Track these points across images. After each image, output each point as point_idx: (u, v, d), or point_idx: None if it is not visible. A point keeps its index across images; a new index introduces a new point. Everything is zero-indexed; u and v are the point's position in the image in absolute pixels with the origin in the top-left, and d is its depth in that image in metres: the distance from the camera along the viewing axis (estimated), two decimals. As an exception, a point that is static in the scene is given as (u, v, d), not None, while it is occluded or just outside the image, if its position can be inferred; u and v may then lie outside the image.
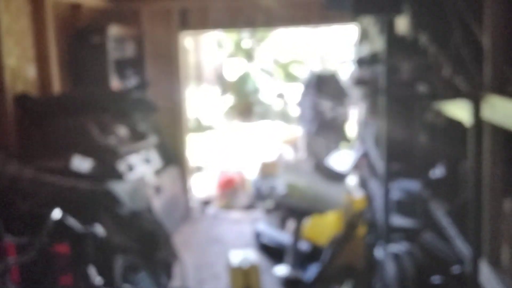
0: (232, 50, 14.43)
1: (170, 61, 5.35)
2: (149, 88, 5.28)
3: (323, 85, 4.66)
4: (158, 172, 4.56)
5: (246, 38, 14.44)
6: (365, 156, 3.82)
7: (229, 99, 12.98)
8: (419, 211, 2.46)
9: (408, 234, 2.51)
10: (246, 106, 13.74)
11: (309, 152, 4.83)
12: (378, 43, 3.09)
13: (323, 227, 3.92)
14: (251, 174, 6.29)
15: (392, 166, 2.59)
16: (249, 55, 14.53)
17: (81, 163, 3.62)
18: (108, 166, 3.71)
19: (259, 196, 6.03)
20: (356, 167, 3.82)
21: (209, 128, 11.88)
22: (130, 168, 3.84)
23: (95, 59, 4.50)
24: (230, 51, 14.54)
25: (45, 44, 4.23)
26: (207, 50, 15.45)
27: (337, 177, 3.68)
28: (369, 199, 3.73)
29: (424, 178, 2.44)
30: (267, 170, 6.05)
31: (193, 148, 9.35)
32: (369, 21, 3.54)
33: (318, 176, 3.70)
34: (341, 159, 3.97)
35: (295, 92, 15.65)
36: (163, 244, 3.16)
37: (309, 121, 4.69)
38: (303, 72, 5.39)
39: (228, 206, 5.67)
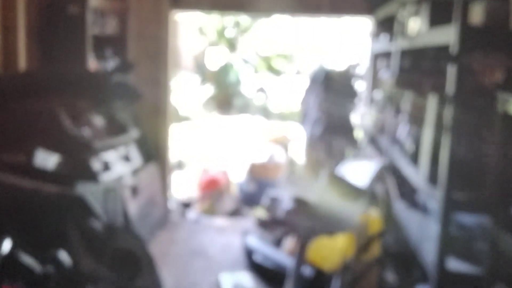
0: (214, 38, 13.72)
1: (157, 44, 4.68)
2: (131, 73, 4.59)
3: (332, 83, 4.07)
4: (136, 171, 3.91)
5: (229, 27, 13.76)
6: (387, 169, 3.25)
7: (208, 90, 12.30)
8: (488, 255, 1.90)
9: (469, 284, 1.95)
10: (225, 98, 13.08)
11: (312, 158, 4.23)
12: (426, 37, 2.52)
13: (330, 250, 3.35)
14: (236, 175, 5.67)
15: (452, 195, 2.02)
16: (231, 45, 13.85)
17: (47, 159, 2.95)
18: (79, 164, 3.05)
19: (246, 200, 5.43)
20: (377, 181, 3.26)
21: (186, 119, 11.19)
22: (106, 166, 3.18)
23: (70, 33, 3.81)
24: (211, 39, 13.82)
25: (11, 11, 3.52)
26: (186, 36, 14.70)
27: (354, 193, 3.10)
28: (391, 222, 3.18)
29: (498, 213, 1.88)
30: (256, 173, 5.45)
31: (172, 140, 8.72)
32: (409, 10, 2.96)
33: (331, 190, 3.12)
34: (355, 170, 3.39)
35: (277, 86, 15.09)
36: (145, 268, 2.52)
37: (313, 123, 4.10)
38: (310, 67, 4.72)
39: (211, 210, 5.04)
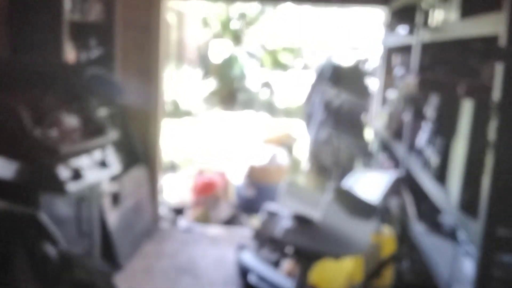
0: (219, 30, 13.24)
1: (148, 33, 4.22)
2: (116, 64, 4.15)
3: (341, 79, 3.60)
4: (118, 176, 3.47)
5: (234, 19, 13.27)
6: (404, 182, 2.79)
7: (212, 84, 11.83)
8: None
9: None
10: (229, 93, 12.62)
11: (316, 165, 3.77)
12: (461, 28, 2.04)
13: (336, 274, 2.90)
14: (235, 177, 5.22)
15: (497, 231, 1.56)
16: (236, 37, 13.37)
17: (3, 166, 2.52)
18: (43, 172, 2.61)
19: (244, 207, 4.98)
20: (391, 196, 2.80)
21: (187, 113, 10.74)
22: (77, 174, 2.73)
23: (45, 18, 3.35)
24: (216, 31, 13.35)
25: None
26: (191, 28, 14.22)
27: (364, 210, 2.65)
28: (407, 245, 2.72)
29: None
30: (256, 176, 5.00)
31: (167, 137, 8.26)
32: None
33: (338, 206, 2.66)
34: (365, 182, 2.93)
35: (283, 81, 14.60)
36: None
37: (319, 125, 3.63)
38: (317, 60, 4.24)
39: (205, 218, 4.59)
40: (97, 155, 2.96)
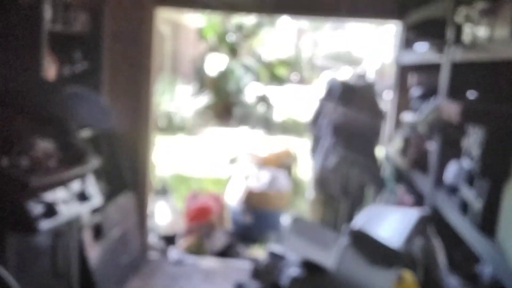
0: (215, 43, 12.91)
1: (139, 46, 3.85)
2: (103, 79, 3.77)
3: (351, 99, 3.24)
4: (101, 208, 3.07)
5: (231, 31, 12.95)
6: (430, 222, 2.42)
7: (207, 97, 11.47)
8: None
9: None
10: (225, 107, 12.26)
11: (323, 194, 3.40)
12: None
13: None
14: (231, 201, 4.83)
15: None
16: (233, 50, 13.04)
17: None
18: (11, 209, 2.22)
19: (241, 235, 4.59)
20: (415, 238, 2.42)
21: (181, 129, 10.36)
22: (51, 210, 2.34)
23: (21, 28, 2.97)
24: (212, 44, 13.01)
25: None
26: (186, 40, 13.88)
27: (386, 256, 2.27)
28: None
29: None
30: (254, 201, 4.61)
31: (160, 155, 7.86)
32: (474, 9, 2.13)
33: (354, 252, 2.29)
34: (383, 220, 2.55)
35: (280, 95, 14.26)
36: None
37: (326, 151, 3.26)
38: (325, 78, 3.85)
39: (198, 248, 4.19)
40: (75, 186, 2.57)
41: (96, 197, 2.69)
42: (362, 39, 26.45)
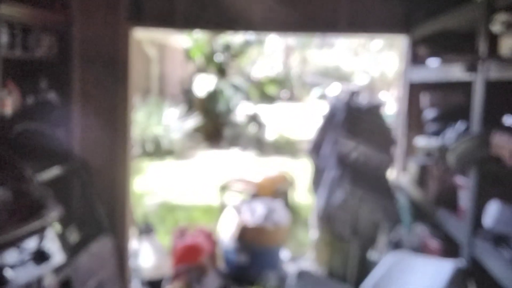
0: (203, 63, 12.52)
1: (114, 70, 3.40)
2: (75, 108, 3.33)
3: (358, 123, 2.81)
4: (73, 256, 2.60)
5: (218, 51, 12.57)
6: (468, 277, 1.97)
7: (196, 119, 11.03)
8: None
9: None
10: (215, 128, 11.82)
11: (329, 234, 2.94)
12: None
13: None
14: (223, 237, 4.36)
15: None
16: (221, 70, 12.65)
17: None
18: None
19: (235, 276, 4.11)
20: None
21: (169, 152, 9.89)
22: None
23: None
24: (200, 64, 12.63)
25: None
26: (173, 61, 13.49)
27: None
28: None
29: None
30: (249, 238, 4.14)
31: (147, 183, 7.38)
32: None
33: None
34: (405, 271, 2.11)
35: (271, 114, 13.86)
36: None
37: (331, 183, 2.82)
38: (325, 99, 3.38)
39: (188, 295, 3.71)
40: (32, 244, 2.10)
41: (58, 255, 2.22)
42: (350, 54, 26.30)
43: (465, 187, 2.10)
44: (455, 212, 2.25)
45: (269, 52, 18.92)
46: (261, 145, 11.37)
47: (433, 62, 2.79)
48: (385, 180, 2.84)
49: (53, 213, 2.20)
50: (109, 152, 3.41)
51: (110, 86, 3.38)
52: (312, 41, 31.42)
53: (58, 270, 2.36)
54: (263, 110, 12.78)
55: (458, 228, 2.15)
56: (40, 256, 2.11)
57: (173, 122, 10.45)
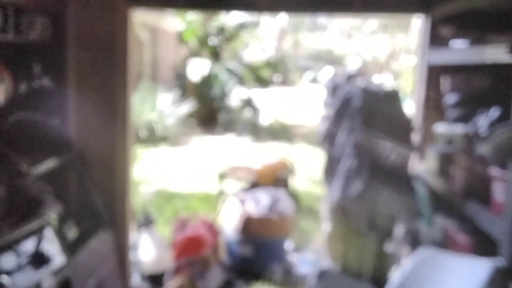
0: (196, 47, 12.25)
1: (112, 53, 3.19)
2: (70, 95, 3.12)
3: (375, 111, 2.64)
4: (69, 260, 2.41)
5: (212, 35, 12.29)
6: (508, 276, 1.81)
7: (190, 104, 10.79)
8: None
9: None
10: (209, 113, 11.60)
11: (344, 227, 2.78)
12: None
13: None
14: (225, 229, 4.19)
15: None
16: (215, 54, 12.39)
17: None
18: None
19: (239, 269, 3.95)
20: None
21: (163, 139, 9.68)
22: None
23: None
24: (193, 48, 12.36)
25: None
26: (166, 45, 13.20)
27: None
28: None
29: None
30: (253, 229, 3.98)
31: (142, 171, 7.16)
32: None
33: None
34: (436, 270, 1.95)
35: (266, 97, 13.64)
36: None
37: (346, 174, 2.65)
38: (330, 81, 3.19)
39: (191, 290, 3.55)
40: (29, 246, 1.92)
41: (57, 256, 2.03)
42: (343, 37, 26.05)
43: (503, 180, 1.93)
44: (488, 205, 2.09)
45: (263, 35, 18.65)
46: (256, 130, 11.18)
47: (458, 43, 2.61)
48: (404, 171, 2.68)
49: (51, 211, 2.01)
50: (108, 141, 3.21)
51: (108, 71, 3.17)
52: (304, 24, 31.13)
53: (57, 272, 2.18)
54: (257, 95, 12.57)
55: (494, 224, 1.99)
56: (39, 259, 1.93)
57: (167, 107, 10.22)
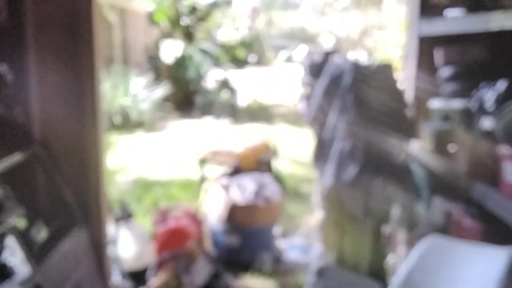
0: (168, 27, 11.86)
1: (77, 35, 2.89)
2: (31, 82, 2.84)
3: (368, 87, 2.43)
4: (39, 265, 2.17)
5: (184, 14, 11.90)
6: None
7: (165, 88, 10.47)
8: None
9: None
10: (185, 96, 11.29)
11: (337, 214, 2.59)
12: None
13: None
14: (210, 217, 3.98)
15: None
16: (188, 34, 12.02)
17: None
18: None
19: (226, 260, 3.75)
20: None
21: (139, 125, 9.37)
22: None
23: None
24: (165, 29, 11.96)
25: None
26: (136, 27, 12.77)
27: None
28: None
29: None
30: (239, 218, 3.77)
31: (118, 159, 6.86)
32: None
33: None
34: (450, 259, 1.78)
35: (242, 78, 13.36)
36: None
37: (340, 158, 2.46)
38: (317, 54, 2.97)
39: (176, 286, 3.34)
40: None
41: (23, 266, 1.79)
42: (316, 15, 25.80)
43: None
44: (498, 187, 1.91)
45: (236, 15, 18.27)
46: (234, 112, 10.94)
47: (453, 12, 2.41)
48: (401, 151, 2.49)
49: (13, 216, 1.76)
50: (76, 130, 2.93)
51: (72, 54, 2.88)
52: (276, 2, 30.68)
53: (24, 283, 1.93)
54: (233, 75, 12.29)
55: (506, 207, 1.81)
56: (1, 273, 1.68)
57: (140, 92, 9.89)
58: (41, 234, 2.58)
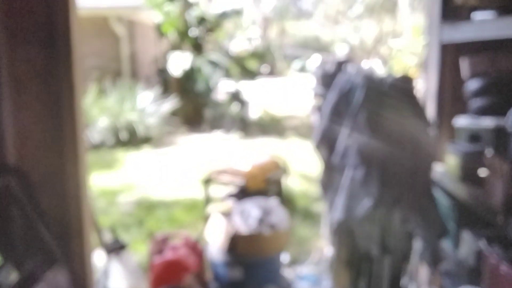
0: (176, 39, 11.60)
1: (54, 49, 2.58)
2: (4, 103, 2.53)
3: (385, 104, 2.07)
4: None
5: (193, 25, 11.64)
6: None
7: (173, 101, 10.19)
8: None
9: None
10: (194, 110, 10.99)
11: (350, 252, 2.22)
12: None
13: None
14: (211, 247, 3.63)
15: None
16: (197, 46, 11.76)
17: None
18: None
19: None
20: None
21: (146, 140, 9.09)
22: None
23: None
24: (173, 41, 11.71)
25: None
26: (144, 39, 12.55)
27: None
28: None
29: None
30: (242, 248, 3.41)
31: (122, 176, 6.48)
32: None
33: None
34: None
35: (253, 90, 13.05)
36: None
37: (352, 187, 2.09)
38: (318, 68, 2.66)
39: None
40: None
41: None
42: (329, 23, 25.48)
43: None
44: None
45: (247, 25, 18.02)
46: (245, 125, 10.61)
47: (480, 15, 2.06)
48: (426, 182, 2.11)
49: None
50: (55, 157, 2.62)
51: (49, 71, 2.57)
52: (289, 11, 30.43)
53: None
54: (244, 87, 11.98)
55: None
56: None
57: (148, 106, 9.61)
58: (10, 279, 2.27)
